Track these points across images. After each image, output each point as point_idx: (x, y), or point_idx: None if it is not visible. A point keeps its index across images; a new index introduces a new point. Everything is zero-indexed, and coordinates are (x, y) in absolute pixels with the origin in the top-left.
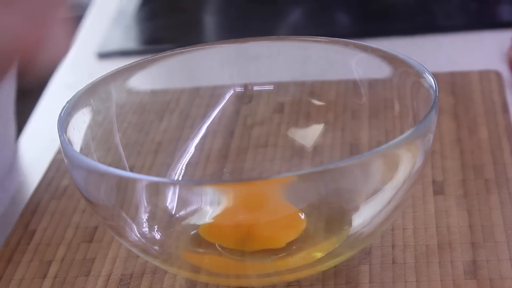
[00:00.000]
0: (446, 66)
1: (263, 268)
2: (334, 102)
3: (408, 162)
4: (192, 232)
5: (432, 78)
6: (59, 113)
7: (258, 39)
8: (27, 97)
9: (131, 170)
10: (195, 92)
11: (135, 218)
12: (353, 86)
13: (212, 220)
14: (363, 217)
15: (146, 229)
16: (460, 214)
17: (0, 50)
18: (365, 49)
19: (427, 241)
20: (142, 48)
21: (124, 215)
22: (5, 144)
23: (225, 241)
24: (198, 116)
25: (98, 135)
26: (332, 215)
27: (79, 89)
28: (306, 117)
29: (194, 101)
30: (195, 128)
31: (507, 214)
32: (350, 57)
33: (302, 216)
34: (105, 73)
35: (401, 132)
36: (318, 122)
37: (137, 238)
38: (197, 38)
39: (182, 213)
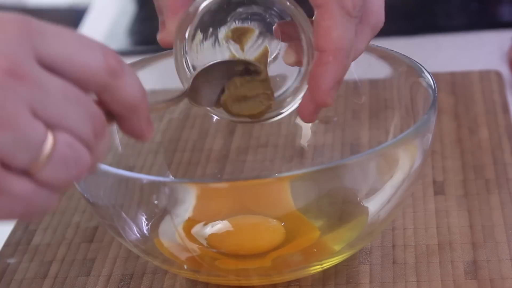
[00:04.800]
0: (447, 66)
1: (262, 266)
2: (334, 102)
3: (407, 162)
4: (192, 231)
5: (431, 78)
6: None
7: None
8: None
9: (131, 170)
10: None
11: (135, 218)
12: (353, 86)
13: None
14: None
15: (146, 229)
16: (460, 214)
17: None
18: (365, 49)
19: (427, 241)
20: (142, 48)
21: (124, 215)
22: None
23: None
24: (198, 116)
25: None
26: (332, 213)
27: None
28: None
29: None
30: (195, 128)
31: (507, 214)
32: None
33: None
34: None
35: (401, 132)
36: (318, 122)
37: (137, 238)
38: None
39: (182, 212)
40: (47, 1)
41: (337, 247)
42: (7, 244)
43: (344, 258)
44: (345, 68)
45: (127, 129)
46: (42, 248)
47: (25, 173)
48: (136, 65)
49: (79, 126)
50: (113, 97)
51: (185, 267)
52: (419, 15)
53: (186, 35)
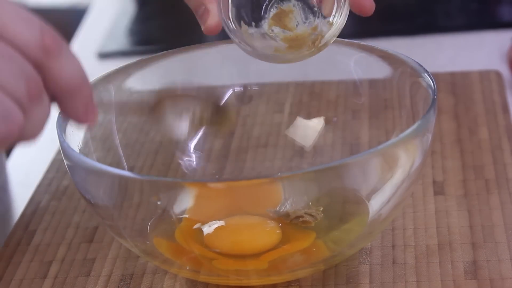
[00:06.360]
0: (447, 66)
1: (259, 267)
2: (334, 102)
3: (407, 162)
4: (190, 231)
5: (431, 78)
6: (58, 113)
7: None
8: None
9: (131, 170)
10: (195, 92)
11: (135, 218)
12: (353, 86)
13: (212, 222)
14: None
15: (145, 229)
16: (460, 214)
17: None
18: (365, 49)
19: (427, 241)
20: (142, 48)
21: (124, 215)
22: None
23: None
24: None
25: (98, 135)
26: (332, 213)
27: None
28: (306, 117)
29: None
30: (195, 128)
31: (507, 214)
32: (350, 57)
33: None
34: (105, 72)
35: (401, 132)
36: (318, 123)
37: (137, 238)
38: (197, 38)
39: (181, 212)
40: (47, 1)
41: (337, 247)
42: (7, 244)
43: (344, 258)
44: None
45: (65, 111)
46: (42, 248)
47: None
48: (136, 65)
49: (10, 82)
50: (47, 77)
51: (185, 267)
52: (419, 15)
53: (230, 14)
